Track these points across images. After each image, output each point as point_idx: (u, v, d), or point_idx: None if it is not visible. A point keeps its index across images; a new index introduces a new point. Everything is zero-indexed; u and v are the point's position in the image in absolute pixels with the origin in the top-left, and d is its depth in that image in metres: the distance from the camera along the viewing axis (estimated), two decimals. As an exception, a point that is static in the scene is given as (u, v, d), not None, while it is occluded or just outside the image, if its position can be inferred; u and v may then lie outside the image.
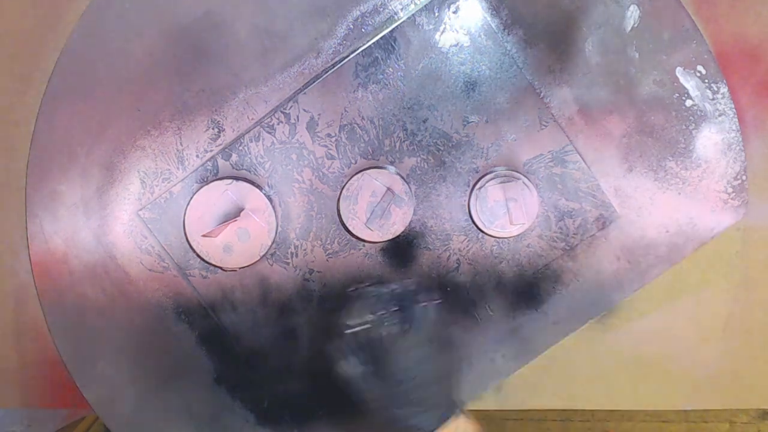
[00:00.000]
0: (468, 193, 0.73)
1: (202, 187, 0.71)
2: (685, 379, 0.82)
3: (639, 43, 0.69)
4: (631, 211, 0.74)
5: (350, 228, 0.72)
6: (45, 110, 0.70)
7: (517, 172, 0.72)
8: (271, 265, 0.74)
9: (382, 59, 0.69)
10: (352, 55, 0.69)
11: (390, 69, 0.70)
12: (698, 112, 0.71)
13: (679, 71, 0.70)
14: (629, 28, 0.69)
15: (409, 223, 0.73)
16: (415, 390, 0.60)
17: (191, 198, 0.71)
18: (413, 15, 0.69)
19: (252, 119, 0.71)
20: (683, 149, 0.72)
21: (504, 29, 0.69)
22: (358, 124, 0.71)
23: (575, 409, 0.91)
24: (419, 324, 0.61)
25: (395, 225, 0.72)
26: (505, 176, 0.72)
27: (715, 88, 0.71)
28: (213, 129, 0.71)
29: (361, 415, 0.78)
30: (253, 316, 0.75)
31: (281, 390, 0.78)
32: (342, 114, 0.71)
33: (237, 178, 0.71)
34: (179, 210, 0.72)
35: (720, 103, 0.71)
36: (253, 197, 0.71)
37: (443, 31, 0.69)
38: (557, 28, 0.69)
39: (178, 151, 0.71)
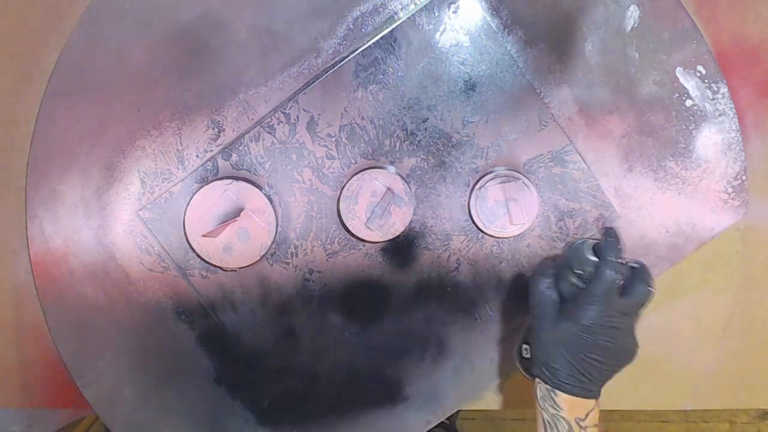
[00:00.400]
0: (468, 193, 0.73)
1: (202, 187, 0.71)
2: (685, 379, 0.82)
3: (639, 43, 0.69)
4: (631, 211, 0.74)
5: (350, 228, 0.72)
6: (45, 110, 0.70)
7: (517, 172, 0.72)
8: (271, 265, 0.74)
9: (382, 59, 0.69)
10: (352, 55, 0.69)
11: (390, 69, 0.70)
12: (698, 112, 0.71)
13: (679, 71, 0.70)
14: (629, 28, 0.69)
15: (409, 223, 0.73)
16: (596, 350, 0.60)
17: (191, 198, 0.71)
18: (413, 15, 0.69)
19: (252, 119, 0.71)
20: (683, 149, 0.72)
21: (504, 29, 0.69)
22: (358, 124, 0.71)
23: (575, 409, 0.91)
24: (638, 299, 0.61)
25: (395, 225, 0.72)
26: (505, 176, 0.72)
27: (715, 88, 0.71)
28: (213, 129, 0.71)
29: (359, 416, 0.78)
30: (253, 316, 0.75)
31: (281, 390, 0.78)
32: (342, 114, 0.71)
33: (237, 178, 0.71)
34: (179, 210, 0.72)
35: (720, 103, 0.71)
36: (253, 197, 0.71)
37: (443, 31, 0.69)
38: (557, 28, 0.69)
39: (178, 151, 0.71)
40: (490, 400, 0.84)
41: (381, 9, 0.69)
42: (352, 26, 0.69)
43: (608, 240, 0.62)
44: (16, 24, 0.73)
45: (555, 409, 0.62)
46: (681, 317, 0.80)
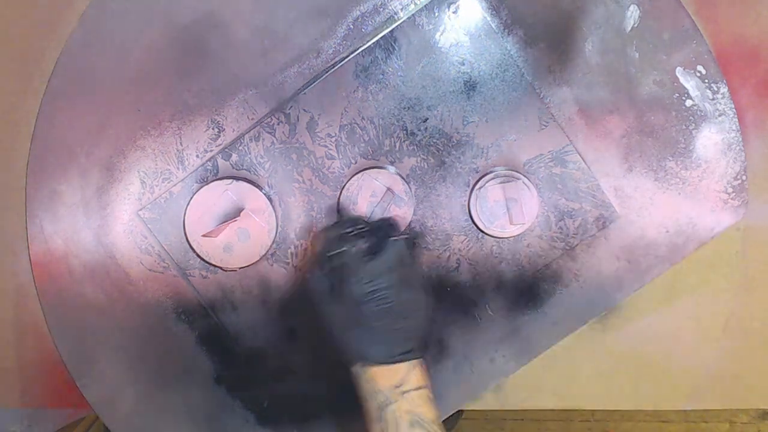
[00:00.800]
0: (468, 193, 0.73)
1: (202, 187, 0.71)
2: (685, 379, 0.82)
3: (639, 43, 0.69)
4: (631, 211, 0.74)
5: (350, 228, 0.72)
6: (45, 110, 0.70)
7: (517, 172, 0.72)
8: (271, 265, 0.74)
9: (382, 59, 0.69)
10: (352, 55, 0.69)
11: (390, 69, 0.70)
12: (698, 112, 0.71)
13: (679, 71, 0.70)
14: (629, 28, 0.69)
15: (409, 223, 0.73)
16: (373, 316, 0.59)
17: (191, 198, 0.71)
18: (413, 15, 0.69)
19: (252, 119, 0.71)
20: (683, 149, 0.72)
21: (504, 29, 0.69)
22: (358, 124, 0.71)
23: (575, 409, 0.91)
24: (388, 254, 0.61)
25: (395, 225, 0.72)
26: (505, 176, 0.72)
27: (715, 88, 0.71)
28: (213, 129, 0.71)
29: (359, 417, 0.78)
30: (253, 316, 0.75)
31: (281, 390, 0.78)
32: (342, 114, 0.71)
33: (237, 178, 0.71)
34: (179, 210, 0.72)
35: (720, 103, 0.71)
36: (253, 197, 0.71)
37: (443, 31, 0.69)
38: (557, 28, 0.69)
39: (178, 151, 0.71)
40: (490, 400, 0.84)
41: (381, 9, 0.69)
42: (352, 26, 0.69)
43: (337, 222, 0.64)
44: (16, 24, 0.73)
45: (370, 382, 0.61)
46: (681, 317, 0.80)
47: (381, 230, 0.63)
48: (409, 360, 0.60)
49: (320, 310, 0.64)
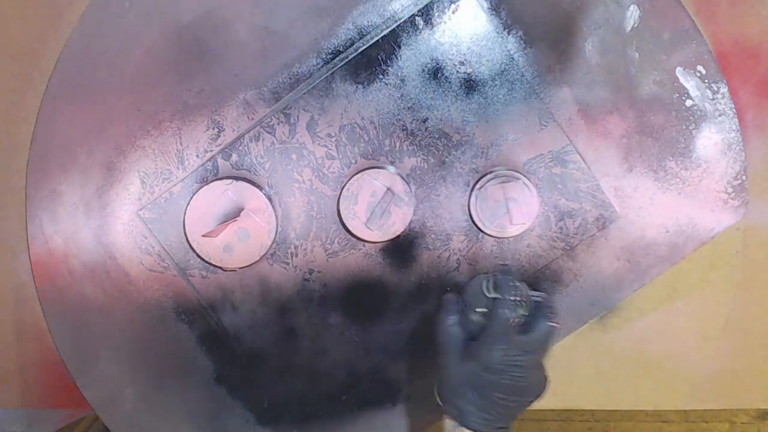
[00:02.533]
0: (468, 193, 0.73)
1: (202, 187, 0.71)
2: (685, 379, 0.82)
3: (639, 43, 0.69)
4: (631, 211, 0.74)
5: (350, 228, 0.72)
6: (45, 110, 0.70)
7: (517, 172, 0.72)
8: (271, 265, 0.74)
9: (382, 59, 0.69)
10: (352, 55, 0.69)
11: (390, 69, 0.70)
12: (698, 112, 0.71)
13: (679, 71, 0.70)
14: (629, 28, 0.69)
15: (409, 223, 0.73)
16: (497, 388, 0.59)
17: (191, 198, 0.71)
18: (413, 15, 0.69)
19: (252, 119, 0.71)
20: (683, 149, 0.72)
21: (504, 29, 0.69)
22: (358, 124, 0.71)
23: (575, 409, 0.91)
24: (539, 336, 0.61)
25: (395, 225, 0.72)
26: (505, 176, 0.72)
27: (715, 88, 0.71)
28: (213, 129, 0.71)
29: (359, 416, 0.78)
30: (253, 316, 0.75)
31: (281, 390, 0.78)
32: (342, 114, 0.71)
33: (237, 178, 0.71)
34: (179, 210, 0.72)
35: (720, 103, 0.71)
36: (253, 197, 0.71)
37: (443, 31, 0.69)
38: (557, 28, 0.69)
39: (178, 151, 0.71)
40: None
41: (381, 9, 0.69)
42: (352, 26, 0.69)
43: (501, 278, 0.62)
44: (16, 24, 0.73)
45: None
46: (681, 317, 0.80)
47: (539, 310, 0.62)
48: None
49: (442, 356, 0.63)
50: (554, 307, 0.62)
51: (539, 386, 0.62)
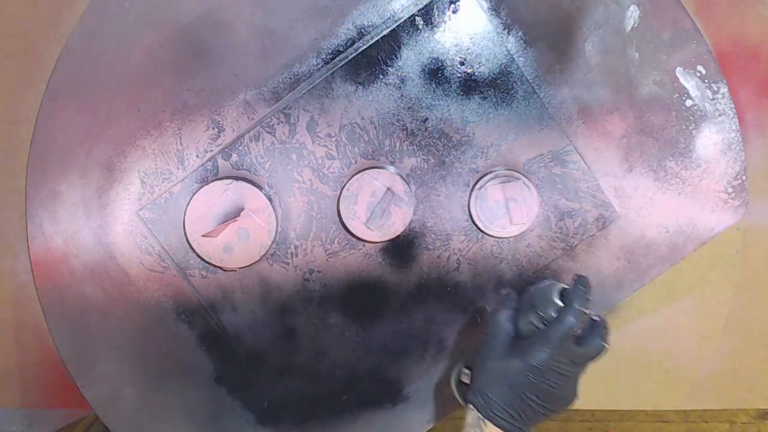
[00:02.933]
0: (468, 193, 0.73)
1: (202, 187, 0.71)
2: (685, 379, 0.82)
3: (639, 43, 0.69)
4: (631, 211, 0.74)
5: (350, 228, 0.72)
6: (45, 110, 0.70)
7: (517, 172, 0.72)
8: (271, 265, 0.74)
9: (382, 59, 0.69)
10: (352, 55, 0.69)
11: (390, 69, 0.70)
12: (698, 112, 0.71)
13: (679, 71, 0.70)
14: (629, 28, 0.69)
15: (409, 224, 0.73)
16: (533, 389, 0.60)
17: (191, 198, 0.71)
18: (413, 15, 0.69)
19: (252, 119, 0.71)
20: (683, 149, 0.72)
21: (504, 29, 0.69)
22: (358, 124, 0.71)
23: (575, 409, 0.91)
24: (590, 351, 0.61)
25: (395, 225, 0.72)
26: (505, 176, 0.72)
27: (715, 88, 0.71)
28: (213, 129, 0.71)
29: (359, 416, 0.78)
30: (253, 316, 0.75)
31: (281, 390, 0.78)
32: (342, 114, 0.71)
33: (237, 178, 0.71)
34: (179, 210, 0.72)
35: (720, 103, 0.71)
36: (253, 197, 0.71)
37: (443, 31, 0.69)
38: (557, 28, 0.69)
39: (178, 151, 0.71)
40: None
41: (381, 9, 0.69)
42: (352, 26, 0.69)
43: (578, 288, 0.62)
44: (16, 24, 0.73)
45: None
46: (681, 317, 0.80)
47: (596, 328, 0.62)
48: None
49: (486, 346, 0.64)
50: (609, 329, 0.63)
51: (570, 400, 0.62)
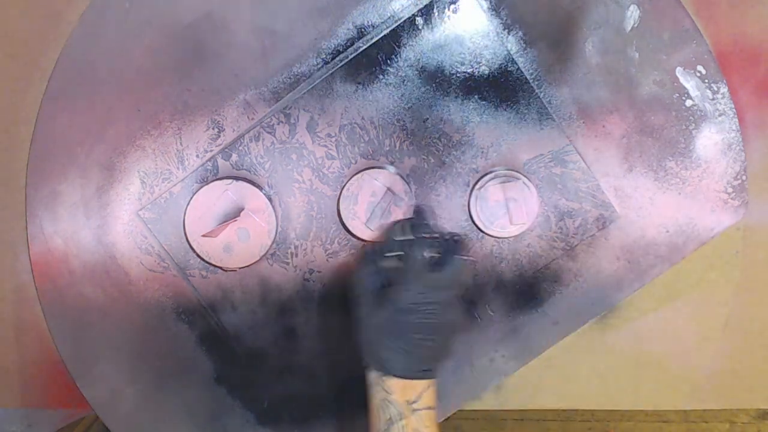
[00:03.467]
0: (468, 193, 0.73)
1: (202, 187, 0.71)
2: (685, 379, 0.82)
3: (639, 43, 0.70)
4: (631, 211, 0.74)
5: (350, 228, 0.72)
6: (45, 110, 0.70)
7: (517, 172, 0.72)
8: (271, 265, 0.74)
9: (382, 59, 0.69)
10: (352, 55, 0.69)
11: (390, 69, 0.70)
12: (698, 112, 0.71)
13: (679, 71, 0.70)
14: (629, 28, 0.69)
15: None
16: (413, 328, 0.59)
17: (191, 198, 0.71)
18: (413, 15, 0.69)
19: (252, 119, 0.71)
20: (683, 149, 0.72)
21: (504, 29, 0.69)
22: (358, 124, 0.71)
23: (575, 409, 0.91)
24: (451, 271, 0.60)
25: (395, 225, 0.72)
26: (505, 176, 0.72)
27: (715, 88, 0.71)
28: (213, 129, 0.71)
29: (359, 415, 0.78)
30: (253, 316, 0.75)
31: (281, 390, 0.78)
32: (342, 114, 0.71)
33: (237, 178, 0.71)
34: (179, 210, 0.72)
35: (720, 103, 0.71)
36: (253, 197, 0.71)
37: (443, 31, 0.69)
38: (557, 28, 0.69)
39: (178, 151, 0.71)
40: (490, 400, 0.84)
41: (381, 9, 0.69)
42: (352, 26, 0.69)
43: (414, 220, 0.62)
44: (16, 24, 0.73)
45: (385, 392, 0.60)
46: (681, 317, 0.80)
47: (449, 244, 0.62)
48: (429, 378, 0.60)
49: (357, 307, 0.63)
50: (465, 241, 0.62)
51: (456, 323, 0.62)
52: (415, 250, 0.60)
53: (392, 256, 0.62)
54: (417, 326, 0.59)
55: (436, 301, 0.59)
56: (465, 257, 0.61)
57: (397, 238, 0.62)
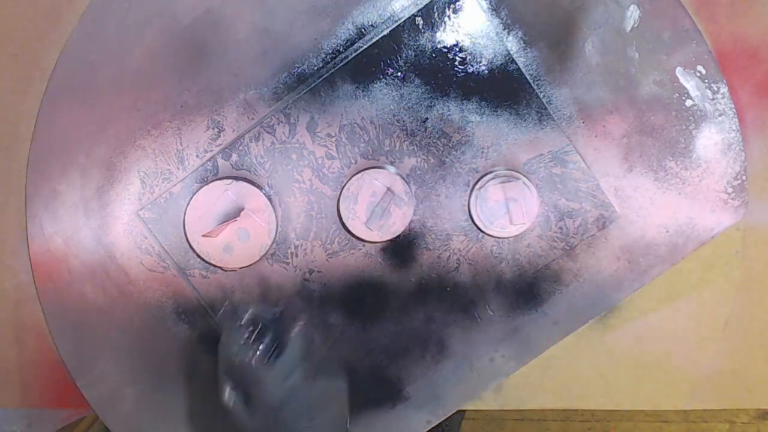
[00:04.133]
0: (468, 193, 0.73)
1: (202, 187, 0.71)
2: (685, 379, 0.82)
3: (639, 43, 0.69)
4: (631, 211, 0.74)
5: (350, 228, 0.72)
6: (45, 110, 0.70)
7: (517, 172, 0.72)
8: (271, 265, 0.74)
9: (382, 59, 0.69)
10: (352, 55, 0.69)
11: (390, 69, 0.70)
12: (698, 112, 0.71)
13: (679, 71, 0.70)
14: (629, 28, 0.69)
15: (409, 223, 0.73)
16: (295, 418, 0.57)
17: (191, 198, 0.71)
18: (413, 15, 0.69)
19: (252, 119, 0.71)
20: (683, 149, 0.72)
21: (504, 29, 0.69)
22: (358, 124, 0.71)
23: (575, 409, 0.91)
24: (292, 350, 0.59)
25: (395, 225, 0.72)
26: (505, 176, 0.72)
27: (715, 88, 0.71)
28: (213, 129, 0.71)
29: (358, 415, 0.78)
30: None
31: (281, 390, 0.78)
32: (342, 114, 0.71)
33: (237, 178, 0.71)
34: (179, 210, 0.72)
35: (720, 103, 0.71)
36: (253, 197, 0.71)
37: (443, 31, 0.69)
38: (557, 28, 0.69)
39: (178, 151, 0.71)
40: (490, 400, 0.84)
41: (381, 9, 0.69)
42: (351, 26, 0.69)
43: (224, 328, 0.59)
44: (16, 24, 0.73)
45: None
46: (681, 317, 0.80)
47: (275, 325, 0.60)
48: None
49: (242, 427, 0.60)
50: (280, 312, 0.60)
51: (333, 387, 0.60)
52: (246, 353, 0.58)
53: (236, 367, 0.59)
54: (297, 414, 0.57)
55: (297, 383, 0.57)
56: (295, 327, 0.59)
57: (231, 349, 0.60)
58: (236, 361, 0.58)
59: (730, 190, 0.73)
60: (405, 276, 0.75)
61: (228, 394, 0.59)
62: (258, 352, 0.58)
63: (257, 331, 0.60)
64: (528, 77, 0.70)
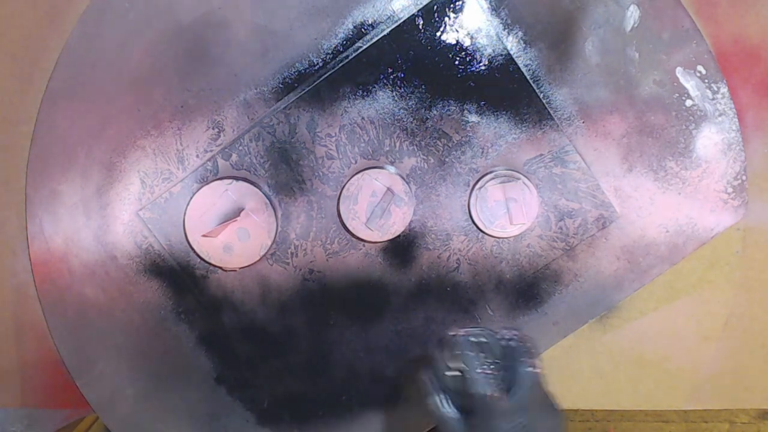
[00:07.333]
0: (468, 193, 0.73)
1: (202, 187, 0.71)
2: (685, 379, 0.82)
3: (639, 43, 0.70)
4: (631, 211, 0.74)
5: (350, 228, 0.72)
6: (45, 110, 0.70)
7: (517, 172, 0.72)
8: (271, 265, 0.74)
9: (382, 59, 0.69)
10: (352, 55, 0.69)
11: (390, 69, 0.70)
12: (698, 112, 0.71)
13: (679, 71, 0.70)
14: (629, 28, 0.69)
15: (409, 223, 0.73)
16: None
17: (191, 198, 0.71)
18: (413, 15, 0.69)
19: (252, 119, 0.71)
20: (683, 149, 0.72)
21: (504, 29, 0.69)
22: (358, 124, 0.71)
23: (575, 409, 0.91)
24: (523, 389, 0.56)
25: (395, 225, 0.72)
26: (505, 176, 0.72)
27: (715, 88, 0.71)
28: (213, 129, 0.71)
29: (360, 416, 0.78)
30: (253, 316, 0.75)
31: (281, 390, 0.78)
32: (342, 114, 0.71)
33: (237, 178, 0.71)
34: (179, 210, 0.72)
35: (720, 103, 0.71)
36: (253, 197, 0.71)
37: (443, 31, 0.69)
38: (557, 28, 0.69)
39: (178, 151, 0.71)
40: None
41: (381, 9, 0.69)
42: (351, 26, 0.69)
43: (464, 354, 0.57)
44: (16, 24, 0.73)
45: None
46: (681, 317, 0.80)
47: (515, 357, 0.57)
48: None
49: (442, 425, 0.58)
50: (530, 345, 0.58)
51: (554, 427, 0.59)
52: (477, 393, 0.55)
53: (450, 376, 0.57)
54: None
55: (526, 421, 0.55)
56: (533, 369, 0.56)
57: (450, 372, 0.57)
58: (473, 389, 0.56)
59: (730, 190, 0.73)
60: (405, 276, 0.75)
61: (447, 414, 0.58)
62: (491, 391, 0.55)
63: (488, 361, 0.57)
64: (528, 77, 0.70)
